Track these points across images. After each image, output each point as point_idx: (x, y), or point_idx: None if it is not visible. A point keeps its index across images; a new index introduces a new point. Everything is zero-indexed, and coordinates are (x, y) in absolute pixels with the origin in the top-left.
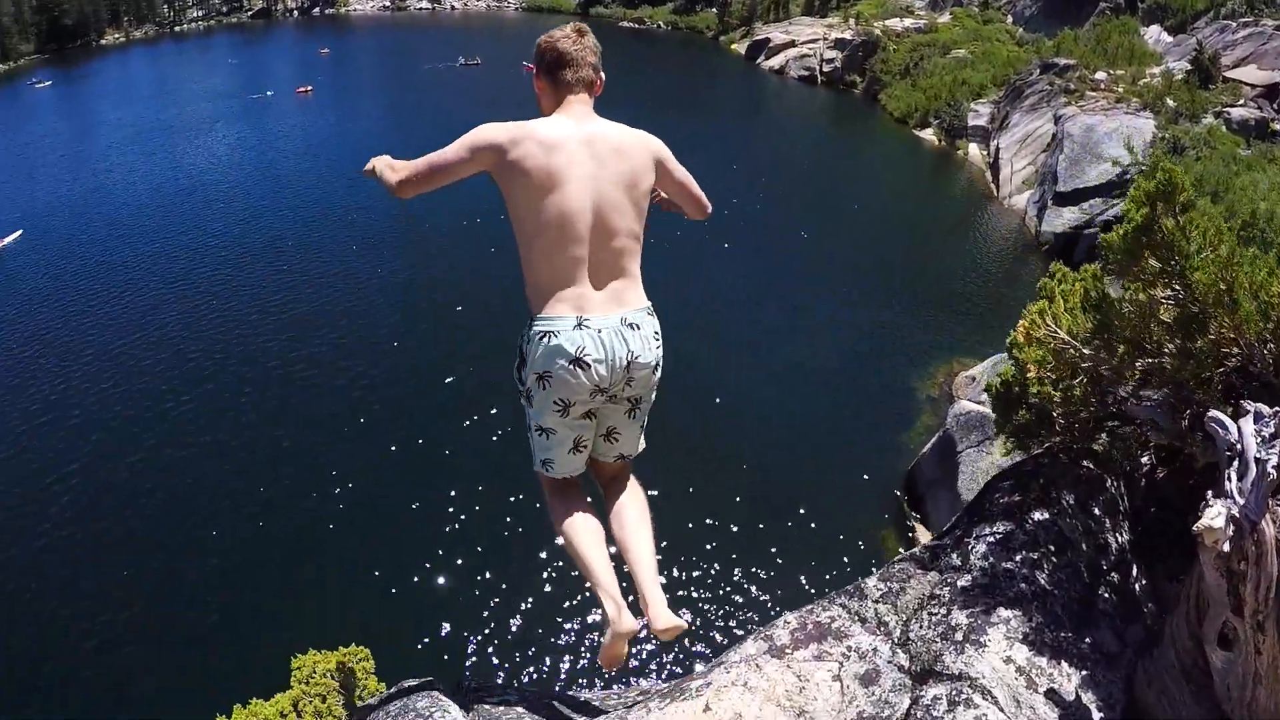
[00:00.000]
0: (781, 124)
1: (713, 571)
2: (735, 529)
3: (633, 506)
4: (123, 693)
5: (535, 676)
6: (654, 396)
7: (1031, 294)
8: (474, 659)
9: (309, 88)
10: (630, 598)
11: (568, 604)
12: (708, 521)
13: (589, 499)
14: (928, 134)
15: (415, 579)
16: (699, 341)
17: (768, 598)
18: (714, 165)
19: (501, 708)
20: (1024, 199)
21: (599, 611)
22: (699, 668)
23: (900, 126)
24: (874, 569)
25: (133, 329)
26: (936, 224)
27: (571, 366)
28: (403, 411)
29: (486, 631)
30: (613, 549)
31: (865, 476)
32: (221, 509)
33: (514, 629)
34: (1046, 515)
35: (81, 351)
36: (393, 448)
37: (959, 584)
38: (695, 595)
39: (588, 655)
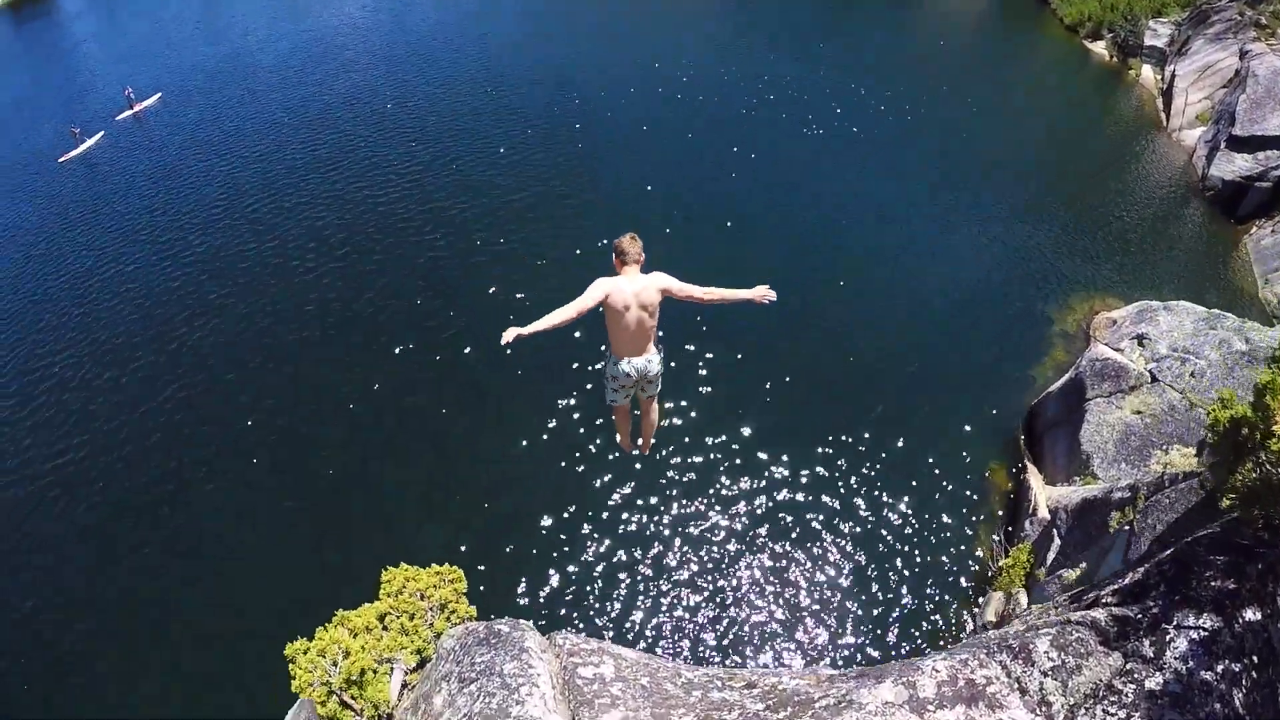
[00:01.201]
0: (940, 18)
1: (822, 470)
2: (846, 435)
3: (648, 419)
4: (215, 591)
5: (630, 630)
6: (660, 380)
7: (1190, 242)
8: (571, 603)
9: None
10: None
11: (670, 568)
12: (822, 424)
13: (630, 415)
14: (1098, 47)
15: (520, 512)
16: (833, 250)
17: (874, 516)
18: (861, 61)
19: (596, 685)
20: (1194, 135)
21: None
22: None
23: (1069, 35)
24: (975, 508)
25: (264, 193)
26: (1095, 148)
27: (623, 375)
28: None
29: (588, 578)
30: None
31: (986, 401)
32: (333, 392)
33: (614, 582)
34: (1259, 616)
35: (213, 213)
36: (521, 374)
37: (1147, 685)
38: (807, 499)
39: (686, 618)
